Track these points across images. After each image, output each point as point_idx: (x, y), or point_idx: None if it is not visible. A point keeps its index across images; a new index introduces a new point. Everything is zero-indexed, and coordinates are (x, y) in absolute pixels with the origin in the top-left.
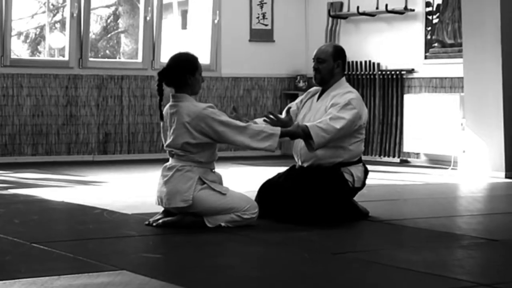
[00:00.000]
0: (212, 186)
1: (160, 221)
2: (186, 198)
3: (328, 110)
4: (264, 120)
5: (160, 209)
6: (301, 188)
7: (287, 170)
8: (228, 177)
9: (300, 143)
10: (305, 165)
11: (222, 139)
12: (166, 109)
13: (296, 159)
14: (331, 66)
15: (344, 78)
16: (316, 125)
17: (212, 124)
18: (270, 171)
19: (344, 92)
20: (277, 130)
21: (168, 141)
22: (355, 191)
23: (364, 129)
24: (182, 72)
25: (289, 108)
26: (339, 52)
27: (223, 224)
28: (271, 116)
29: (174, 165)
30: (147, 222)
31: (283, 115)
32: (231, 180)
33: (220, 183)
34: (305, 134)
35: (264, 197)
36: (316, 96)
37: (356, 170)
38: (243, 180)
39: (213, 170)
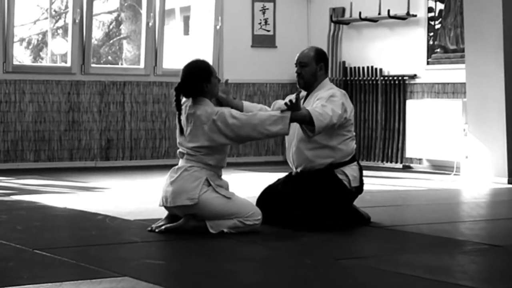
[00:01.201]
0: (218, 190)
1: (163, 227)
2: (192, 197)
3: (315, 104)
4: (286, 104)
5: (163, 215)
6: (299, 195)
7: (285, 177)
8: (230, 183)
9: (291, 149)
10: (299, 170)
11: (234, 133)
12: (184, 107)
13: (290, 165)
14: (314, 69)
15: (327, 79)
16: (314, 109)
17: (225, 119)
18: (271, 177)
19: (327, 89)
20: (287, 113)
21: (182, 140)
22: (355, 192)
23: (352, 126)
24: (198, 81)
25: (299, 92)
26: (321, 55)
27: (225, 230)
28: (292, 101)
29: (182, 165)
30: (149, 228)
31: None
32: (233, 186)
33: (227, 189)
34: (309, 118)
35: (265, 203)
36: (302, 100)
37: (350, 170)
38: (244, 186)
39: (221, 177)
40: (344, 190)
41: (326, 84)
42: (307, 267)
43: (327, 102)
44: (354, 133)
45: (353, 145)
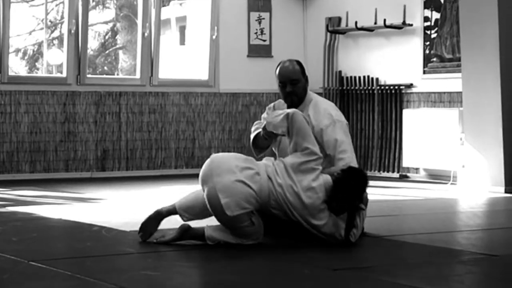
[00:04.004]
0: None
1: (160, 238)
2: (230, 208)
3: (326, 135)
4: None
5: (161, 226)
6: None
7: None
8: None
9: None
10: None
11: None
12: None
13: None
14: (304, 83)
15: (309, 91)
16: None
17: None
18: None
19: (316, 105)
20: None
21: (280, 158)
22: None
23: None
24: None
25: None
26: (302, 66)
27: (222, 241)
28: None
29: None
30: (154, 240)
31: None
32: None
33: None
34: None
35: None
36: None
37: None
38: None
39: None
40: None
41: (311, 96)
42: (305, 278)
43: (335, 130)
44: None
45: None
